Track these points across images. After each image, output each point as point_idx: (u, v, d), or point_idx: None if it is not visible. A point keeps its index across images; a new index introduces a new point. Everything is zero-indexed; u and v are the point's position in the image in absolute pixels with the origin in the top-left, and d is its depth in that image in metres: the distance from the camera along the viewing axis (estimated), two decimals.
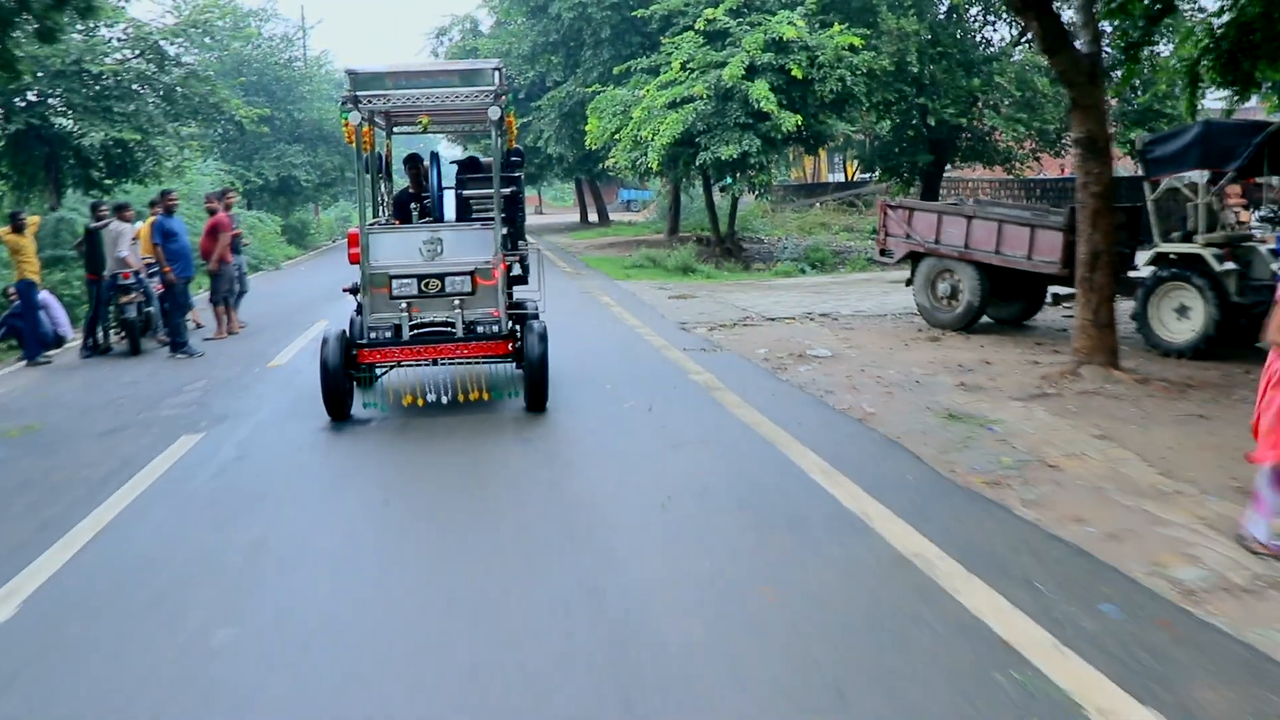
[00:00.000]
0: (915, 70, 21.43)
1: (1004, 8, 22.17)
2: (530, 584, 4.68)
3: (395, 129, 10.13)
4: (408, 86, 8.19)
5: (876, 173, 28.31)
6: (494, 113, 8.06)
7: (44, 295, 13.74)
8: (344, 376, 8.01)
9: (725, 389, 8.79)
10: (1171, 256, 10.41)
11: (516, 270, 9.03)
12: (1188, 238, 10.57)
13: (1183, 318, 10.27)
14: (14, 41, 9.88)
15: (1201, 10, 16.98)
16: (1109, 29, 11.87)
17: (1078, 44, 9.17)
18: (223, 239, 13.48)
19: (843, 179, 47.09)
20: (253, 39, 34.01)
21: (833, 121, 22.23)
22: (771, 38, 19.62)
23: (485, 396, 8.61)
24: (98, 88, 19.06)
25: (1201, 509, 5.43)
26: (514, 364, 8.65)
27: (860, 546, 5.00)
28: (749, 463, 6.56)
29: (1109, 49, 13.59)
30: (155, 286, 13.25)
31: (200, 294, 15.68)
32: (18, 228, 12.79)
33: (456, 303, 8.15)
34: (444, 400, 8.47)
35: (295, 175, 36.60)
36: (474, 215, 8.97)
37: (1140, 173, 11.57)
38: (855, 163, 35.09)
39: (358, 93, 8.03)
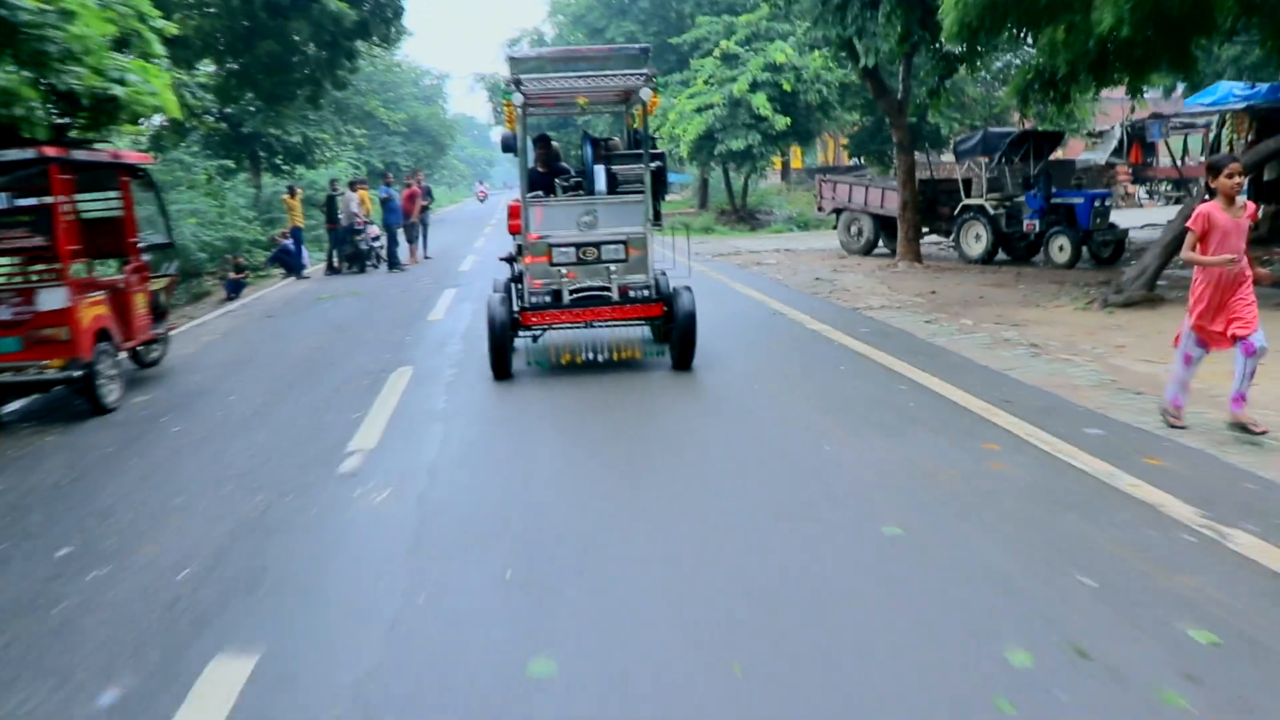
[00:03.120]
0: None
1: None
2: None
3: (536, 109, 10.20)
4: (564, 69, 8.78)
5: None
6: (645, 93, 8.43)
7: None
8: (509, 338, 8.64)
9: (716, 274, 16.90)
10: (969, 205, 18.25)
11: None
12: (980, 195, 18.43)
13: (977, 241, 18.14)
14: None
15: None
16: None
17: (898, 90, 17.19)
18: (417, 202, 21.82)
19: (858, 162, 54.78)
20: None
21: (822, 121, 30.19)
22: (769, 61, 27.52)
23: (637, 355, 9.09)
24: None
25: (894, 298, 13.42)
26: (660, 325, 9.22)
27: (762, 309, 13.08)
28: (721, 295, 14.65)
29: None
30: (371, 232, 21.56)
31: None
32: (293, 194, 21.22)
33: (612, 269, 8.66)
34: (600, 359, 9.07)
35: (396, 162, 45.06)
36: (620, 189, 9.15)
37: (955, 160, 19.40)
38: None
39: (520, 75, 8.41)
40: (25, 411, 8.96)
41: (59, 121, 9.05)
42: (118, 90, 8.69)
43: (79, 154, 8.85)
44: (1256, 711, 3.10)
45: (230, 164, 26.09)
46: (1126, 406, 6.95)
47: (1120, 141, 30.46)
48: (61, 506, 5.95)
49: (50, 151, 8.17)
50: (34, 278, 8.81)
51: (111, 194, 9.99)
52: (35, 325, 8.26)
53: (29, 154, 8.07)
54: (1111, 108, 33.87)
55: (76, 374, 8.31)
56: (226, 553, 4.91)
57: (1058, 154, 34.45)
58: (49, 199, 8.39)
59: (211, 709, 3.42)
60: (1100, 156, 31.38)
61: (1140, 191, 31.65)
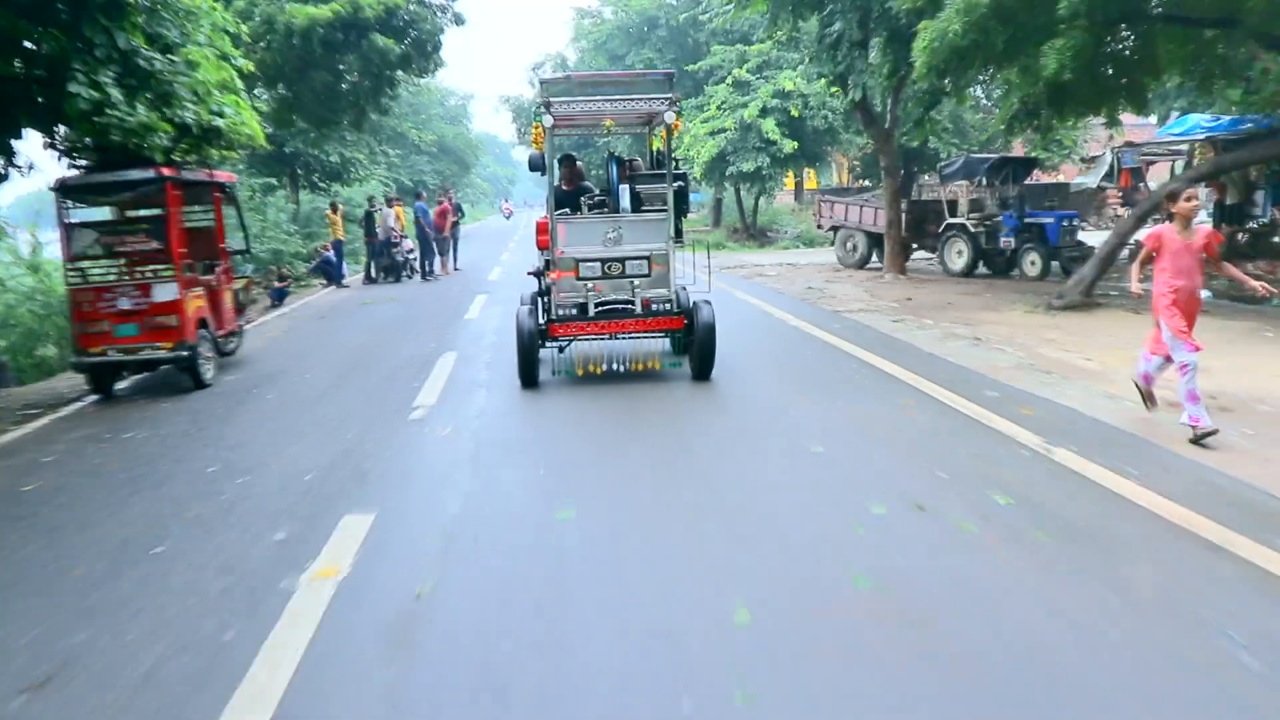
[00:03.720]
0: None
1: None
2: None
3: (562, 130, 10.54)
4: (593, 92, 9.13)
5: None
6: (669, 116, 8.76)
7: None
8: (537, 348, 9.04)
9: (720, 284, 18.68)
10: (954, 223, 20.01)
11: None
12: (963, 214, 20.21)
13: (959, 257, 19.91)
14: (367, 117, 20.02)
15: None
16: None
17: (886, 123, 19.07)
18: (449, 218, 23.80)
19: (865, 184, 56.73)
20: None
21: (831, 144, 32.09)
22: (778, 88, 29.43)
23: (657, 366, 9.60)
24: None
25: (873, 304, 15.22)
26: (680, 337, 9.66)
27: (758, 313, 14.92)
28: (721, 300, 16.45)
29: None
30: (406, 245, 23.51)
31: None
32: (334, 210, 23.22)
33: (635, 284, 9.07)
34: (621, 369, 9.55)
35: (424, 180, 47.18)
36: (643, 208, 9.48)
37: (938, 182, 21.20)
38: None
39: (550, 98, 8.76)
40: (134, 389, 10.87)
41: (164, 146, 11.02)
42: (219, 121, 10.64)
43: (186, 174, 10.82)
44: (1019, 534, 4.90)
45: (273, 181, 28.16)
46: (1029, 380, 8.73)
47: (1111, 167, 32.13)
48: (198, 444, 7.83)
49: (166, 172, 10.13)
50: (150, 275, 10.73)
51: (205, 206, 11.93)
52: (151, 314, 10.19)
53: (149, 174, 10.03)
54: (1103, 134, 35.63)
55: (184, 354, 10.23)
56: (337, 464, 6.78)
57: (1058, 177, 36.36)
58: (162, 210, 10.34)
59: (351, 539, 5.26)
60: (1092, 181, 33.09)
61: (1127, 213, 33.29)
